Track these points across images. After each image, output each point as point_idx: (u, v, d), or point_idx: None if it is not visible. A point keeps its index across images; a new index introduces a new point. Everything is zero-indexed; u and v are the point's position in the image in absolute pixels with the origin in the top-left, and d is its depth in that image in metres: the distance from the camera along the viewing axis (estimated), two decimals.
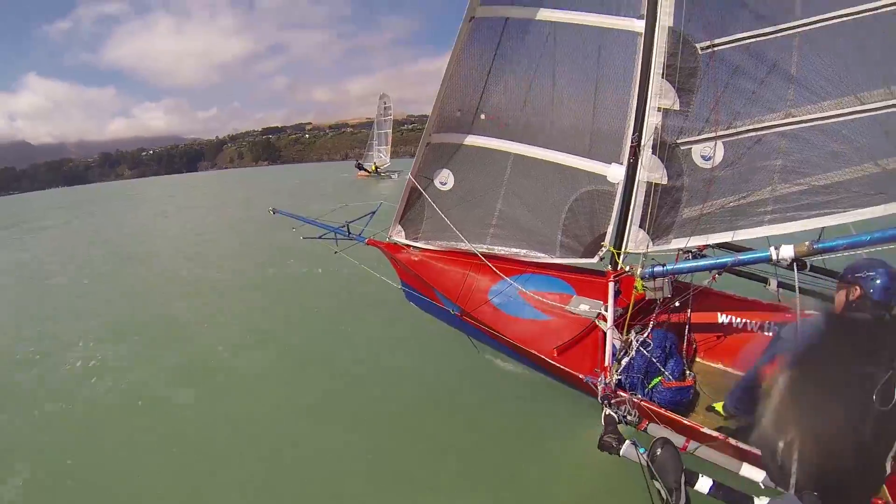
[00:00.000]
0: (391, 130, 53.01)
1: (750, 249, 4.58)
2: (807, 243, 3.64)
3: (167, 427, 6.38)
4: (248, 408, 6.71)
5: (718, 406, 4.28)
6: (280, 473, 5.26)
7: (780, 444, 2.38)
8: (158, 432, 6.25)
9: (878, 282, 2.66)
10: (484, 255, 5.42)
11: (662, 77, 4.35)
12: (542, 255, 5.27)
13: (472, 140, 5.36)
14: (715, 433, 3.69)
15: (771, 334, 4.94)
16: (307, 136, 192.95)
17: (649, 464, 2.67)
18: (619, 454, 3.24)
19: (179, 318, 10.66)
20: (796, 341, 2.66)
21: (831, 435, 2.28)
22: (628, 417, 4.03)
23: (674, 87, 4.34)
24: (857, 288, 2.72)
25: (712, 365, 5.23)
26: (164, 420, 6.57)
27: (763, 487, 3.04)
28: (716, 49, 4.17)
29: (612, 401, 4.15)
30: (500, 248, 5.44)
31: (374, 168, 52.03)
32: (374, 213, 6.70)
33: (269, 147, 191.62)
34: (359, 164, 55.68)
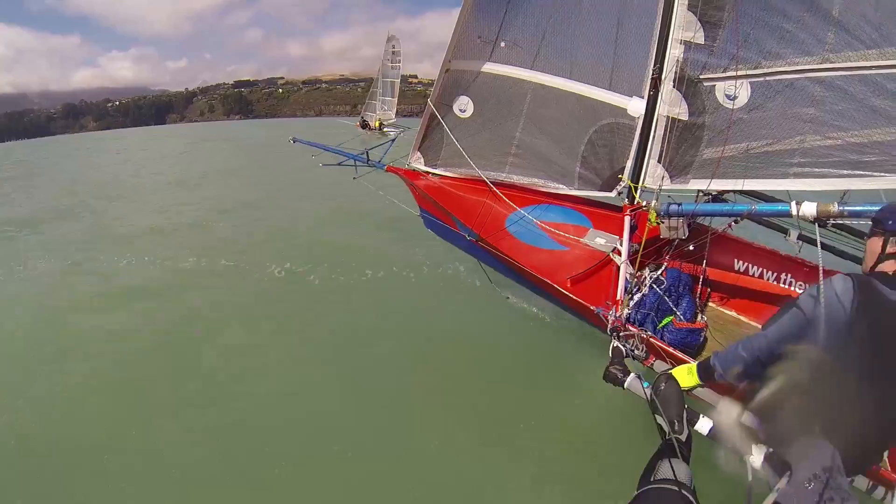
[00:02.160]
0: (399, 80, 46.02)
1: (772, 199, 4.50)
2: (834, 205, 3.38)
3: None
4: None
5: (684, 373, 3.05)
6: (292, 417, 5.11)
7: (787, 414, 2.23)
8: None
9: None
10: (502, 183, 5.40)
11: (687, 8, 4.15)
12: (561, 186, 5.22)
13: (491, 68, 5.30)
14: None
15: (787, 284, 4.94)
16: (280, 90, 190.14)
17: (653, 397, 2.56)
18: (623, 386, 3.12)
19: None
20: (816, 315, 2.26)
21: (851, 419, 2.08)
22: (635, 352, 3.97)
23: (699, 18, 4.13)
24: None
25: (725, 312, 5.20)
26: None
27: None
28: None
29: (621, 334, 4.10)
30: (518, 177, 5.40)
31: (377, 123, 43.40)
32: (393, 141, 6.74)
33: (242, 100, 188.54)
34: (363, 119, 46.61)
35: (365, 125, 44.54)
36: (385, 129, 40.47)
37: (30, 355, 6.41)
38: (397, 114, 45.64)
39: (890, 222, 2.28)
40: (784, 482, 2.00)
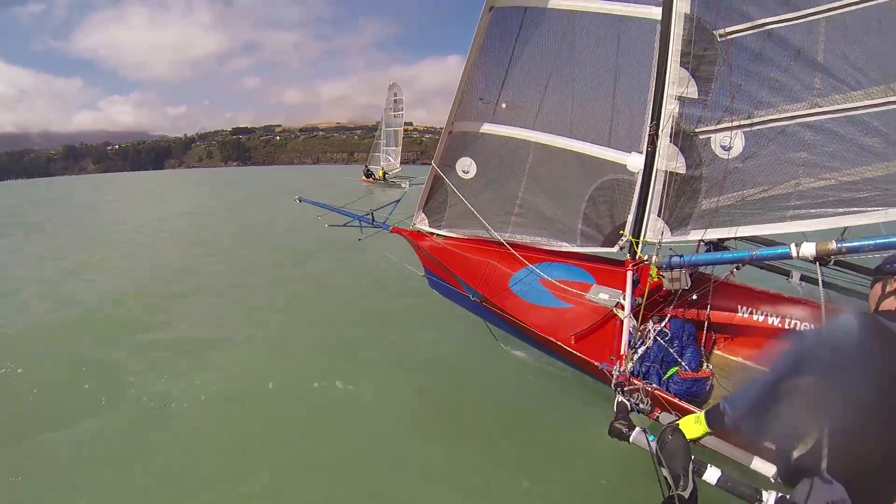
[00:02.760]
0: (402, 128, 45.04)
1: (773, 243, 4.56)
2: (832, 242, 3.40)
3: None
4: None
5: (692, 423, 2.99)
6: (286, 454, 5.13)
7: (797, 451, 2.27)
8: None
9: None
10: (507, 242, 5.46)
11: (680, 65, 4.30)
12: (564, 243, 5.31)
13: (493, 129, 5.42)
14: None
15: (792, 327, 4.90)
16: (278, 137, 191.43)
17: (658, 451, 2.58)
18: (628, 441, 3.15)
19: None
20: (821, 350, 2.27)
21: (858, 454, 2.15)
22: (640, 406, 3.96)
23: (691, 74, 4.28)
24: None
25: (731, 358, 5.18)
26: None
27: (773, 482, 2.99)
28: (735, 35, 4.09)
29: (626, 388, 4.10)
30: (521, 236, 5.51)
31: (381, 174, 43.21)
32: (398, 201, 6.82)
33: (239, 147, 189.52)
34: (367, 168, 46.38)
35: (369, 175, 44.51)
36: (391, 180, 41.42)
37: None
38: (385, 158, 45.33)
39: (886, 266, 2.39)
40: None
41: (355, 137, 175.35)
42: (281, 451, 5.21)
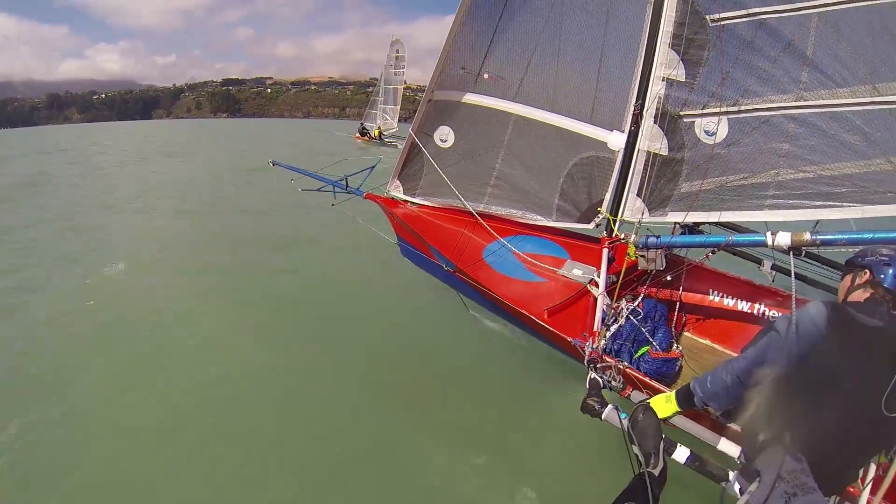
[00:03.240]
0: (402, 87, 42.94)
1: (747, 231, 4.60)
2: (807, 234, 3.42)
3: None
4: None
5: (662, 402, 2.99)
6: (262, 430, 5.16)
7: (762, 436, 2.33)
8: None
9: (892, 270, 2.38)
10: (480, 214, 5.45)
11: (669, 46, 4.28)
12: (539, 217, 5.30)
13: (473, 98, 5.35)
14: None
15: (760, 314, 5.01)
16: (269, 90, 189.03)
17: (630, 428, 2.63)
18: (600, 417, 3.21)
19: None
20: (791, 337, 2.33)
21: (823, 435, 2.21)
22: (612, 383, 4.01)
23: (680, 57, 4.27)
24: (867, 272, 2.45)
25: (700, 341, 5.27)
26: None
27: (739, 463, 3.06)
28: (727, 22, 4.08)
29: (598, 365, 4.15)
30: (496, 207, 5.48)
31: (376, 133, 41.31)
32: (372, 168, 6.73)
33: (230, 98, 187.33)
34: (363, 126, 44.65)
35: (364, 133, 43.12)
36: (386, 139, 40.27)
37: None
38: (369, 118, 44.79)
39: (858, 259, 2.51)
40: (754, 486, 2.12)
41: (348, 93, 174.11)
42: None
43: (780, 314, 2.55)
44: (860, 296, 2.43)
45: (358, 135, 43.91)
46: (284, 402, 5.62)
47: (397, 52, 41.19)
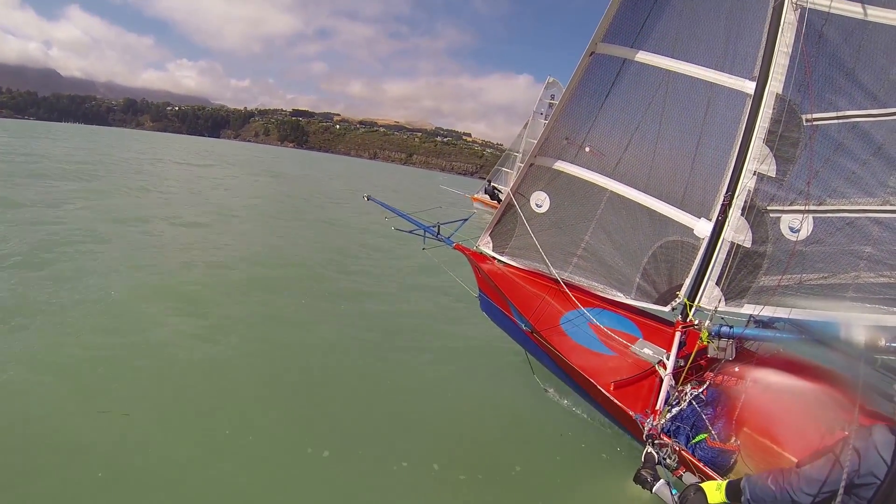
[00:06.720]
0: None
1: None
2: (882, 340, 3.37)
3: None
4: None
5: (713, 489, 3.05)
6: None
7: None
8: None
9: None
10: (564, 282, 5.57)
11: (764, 142, 4.42)
12: (619, 293, 5.41)
13: (573, 170, 5.55)
14: None
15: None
16: (337, 126, 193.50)
17: None
18: (651, 490, 3.31)
19: None
20: (853, 467, 2.32)
21: None
22: (667, 461, 4.08)
23: (773, 153, 4.40)
24: None
25: (759, 439, 5.19)
26: None
27: None
28: (821, 122, 4.20)
29: (656, 441, 4.22)
30: (580, 278, 5.60)
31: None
32: (465, 220, 6.84)
33: (298, 129, 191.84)
34: (491, 186, 36.30)
35: (494, 197, 34.59)
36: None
37: None
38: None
39: None
40: None
41: (416, 139, 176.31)
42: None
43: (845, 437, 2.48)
44: None
45: (481, 196, 36.39)
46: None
47: (552, 98, 31.28)
